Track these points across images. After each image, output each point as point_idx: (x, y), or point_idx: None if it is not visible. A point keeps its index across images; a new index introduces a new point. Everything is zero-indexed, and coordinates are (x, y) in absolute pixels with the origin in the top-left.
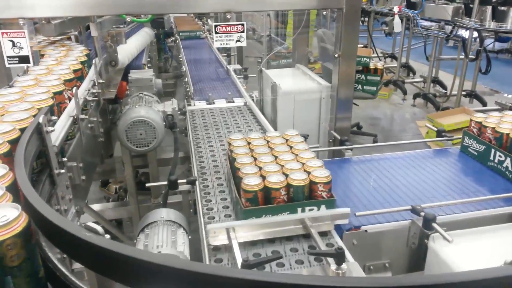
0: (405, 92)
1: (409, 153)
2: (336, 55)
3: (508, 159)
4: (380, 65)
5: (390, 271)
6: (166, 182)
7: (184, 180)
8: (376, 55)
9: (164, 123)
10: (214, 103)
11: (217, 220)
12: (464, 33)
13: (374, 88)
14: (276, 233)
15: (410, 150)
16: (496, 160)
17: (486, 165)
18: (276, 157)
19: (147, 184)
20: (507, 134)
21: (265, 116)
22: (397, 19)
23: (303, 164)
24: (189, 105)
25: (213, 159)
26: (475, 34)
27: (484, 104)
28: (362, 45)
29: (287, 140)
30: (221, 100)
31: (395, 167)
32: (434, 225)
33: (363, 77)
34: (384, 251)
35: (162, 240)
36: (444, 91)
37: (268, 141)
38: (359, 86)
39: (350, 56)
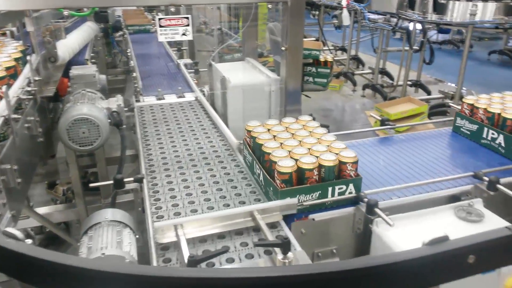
0: (355, 84)
1: (407, 134)
2: (283, 48)
3: (501, 136)
4: (329, 58)
5: (338, 257)
6: (111, 182)
7: (131, 179)
8: (327, 48)
9: (109, 121)
10: (164, 99)
11: (166, 218)
12: (409, 25)
13: (325, 80)
14: (226, 227)
15: (360, 139)
16: (489, 138)
17: (480, 142)
18: (300, 141)
19: (91, 185)
20: (499, 114)
21: (216, 111)
22: (345, 12)
23: (328, 146)
24: (138, 101)
25: (163, 156)
26: (420, 26)
27: (428, 93)
28: (314, 38)
29: (303, 125)
30: (171, 95)
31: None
32: (377, 210)
33: (314, 69)
34: (331, 238)
35: (107, 241)
36: (391, 81)
37: (286, 127)
38: (311, 79)
39: (297, 49)
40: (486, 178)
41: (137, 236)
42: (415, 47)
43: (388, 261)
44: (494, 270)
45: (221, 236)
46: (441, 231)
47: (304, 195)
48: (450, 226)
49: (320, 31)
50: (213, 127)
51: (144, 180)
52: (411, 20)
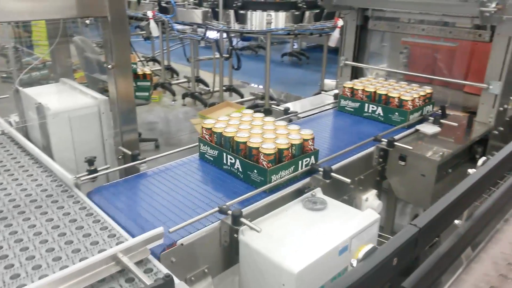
0: (174, 93)
1: None
2: (109, 66)
3: (380, 108)
4: (148, 70)
5: (210, 275)
6: None
7: None
8: (138, 60)
9: None
10: None
11: None
12: (216, 35)
13: (147, 94)
14: (88, 280)
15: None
16: (370, 111)
17: (362, 116)
18: (262, 128)
19: None
20: (374, 92)
21: (35, 144)
22: (152, 23)
23: (287, 129)
24: None
25: None
26: (225, 34)
27: (241, 95)
28: None
29: (252, 117)
30: None
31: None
32: (242, 219)
33: (133, 84)
34: (201, 258)
35: None
36: (207, 88)
37: (240, 120)
38: None
39: (125, 66)
40: (321, 169)
41: None
42: (225, 55)
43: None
44: (348, 249)
45: None
46: (296, 225)
47: (284, 170)
48: (303, 218)
49: (129, 43)
50: (36, 165)
51: None
52: (218, 30)
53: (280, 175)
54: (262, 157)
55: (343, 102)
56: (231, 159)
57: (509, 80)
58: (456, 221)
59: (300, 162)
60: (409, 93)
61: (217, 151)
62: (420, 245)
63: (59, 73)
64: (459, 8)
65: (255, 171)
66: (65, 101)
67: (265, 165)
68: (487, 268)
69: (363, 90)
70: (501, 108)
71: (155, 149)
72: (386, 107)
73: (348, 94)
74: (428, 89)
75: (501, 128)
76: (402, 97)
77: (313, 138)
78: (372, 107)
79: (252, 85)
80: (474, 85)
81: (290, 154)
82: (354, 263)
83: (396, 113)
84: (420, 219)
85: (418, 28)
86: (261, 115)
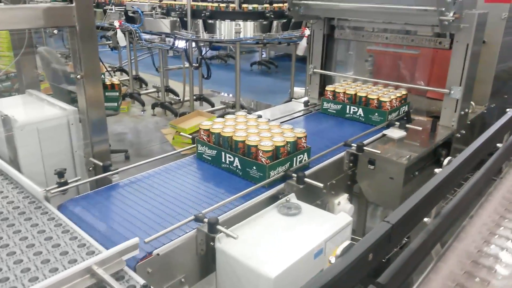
0: (143, 104)
1: None
2: (78, 77)
3: (360, 109)
4: (116, 80)
5: (187, 285)
6: None
7: None
8: (106, 70)
9: None
10: None
11: None
12: (185, 44)
13: (115, 104)
14: None
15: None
16: (351, 112)
17: (344, 117)
18: (257, 128)
19: None
20: (355, 94)
21: (1, 157)
22: (119, 33)
23: (281, 128)
24: None
25: None
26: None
27: (212, 105)
28: None
29: (246, 118)
30: None
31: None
32: (219, 227)
33: None
34: (178, 268)
35: None
36: (177, 98)
37: (235, 121)
38: None
39: (95, 75)
40: (294, 175)
41: None
42: (195, 64)
43: (322, 282)
44: (322, 253)
45: None
46: (272, 231)
47: (281, 166)
48: (278, 224)
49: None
50: (1, 177)
51: None
52: (186, 40)
53: (278, 171)
54: (261, 154)
55: (325, 105)
56: (229, 157)
57: (468, 85)
58: (426, 219)
59: (295, 158)
60: (387, 94)
61: (215, 151)
62: (394, 241)
63: (25, 85)
64: (420, 17)
65: (254, 167)
66: (33, 113)
67: (263, 161)
68: (460, 256)
69: (344, 92)
70: (463, 112)
71: (125, 160)
72: (366, 108)
73: (330, 97)
74: (403, 91)
75: (463, 131)
76: (381, 99)
77: (305, 136)
78: (353, 109)
79: (223, 94)
80: (437, 91)
81: (286, 151)
82: (333, 260)
83: (376, 114)
84: (392, 216)
85: (382, 36)
86: (254, 116)
